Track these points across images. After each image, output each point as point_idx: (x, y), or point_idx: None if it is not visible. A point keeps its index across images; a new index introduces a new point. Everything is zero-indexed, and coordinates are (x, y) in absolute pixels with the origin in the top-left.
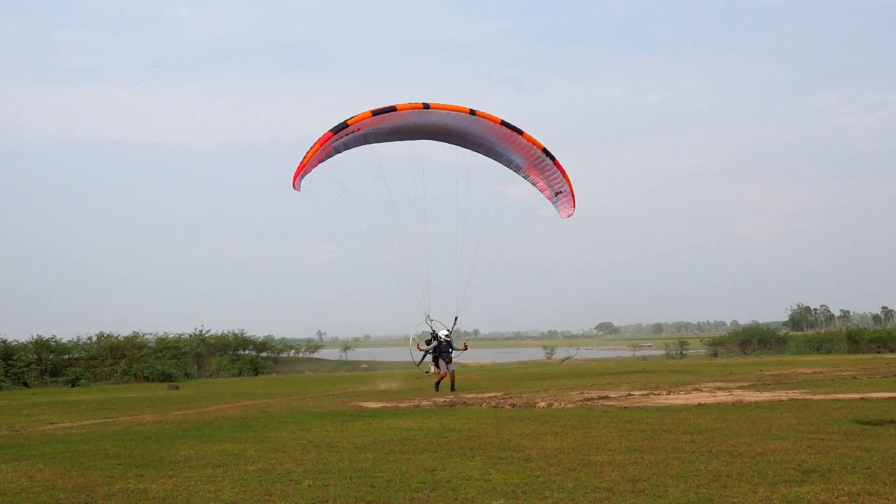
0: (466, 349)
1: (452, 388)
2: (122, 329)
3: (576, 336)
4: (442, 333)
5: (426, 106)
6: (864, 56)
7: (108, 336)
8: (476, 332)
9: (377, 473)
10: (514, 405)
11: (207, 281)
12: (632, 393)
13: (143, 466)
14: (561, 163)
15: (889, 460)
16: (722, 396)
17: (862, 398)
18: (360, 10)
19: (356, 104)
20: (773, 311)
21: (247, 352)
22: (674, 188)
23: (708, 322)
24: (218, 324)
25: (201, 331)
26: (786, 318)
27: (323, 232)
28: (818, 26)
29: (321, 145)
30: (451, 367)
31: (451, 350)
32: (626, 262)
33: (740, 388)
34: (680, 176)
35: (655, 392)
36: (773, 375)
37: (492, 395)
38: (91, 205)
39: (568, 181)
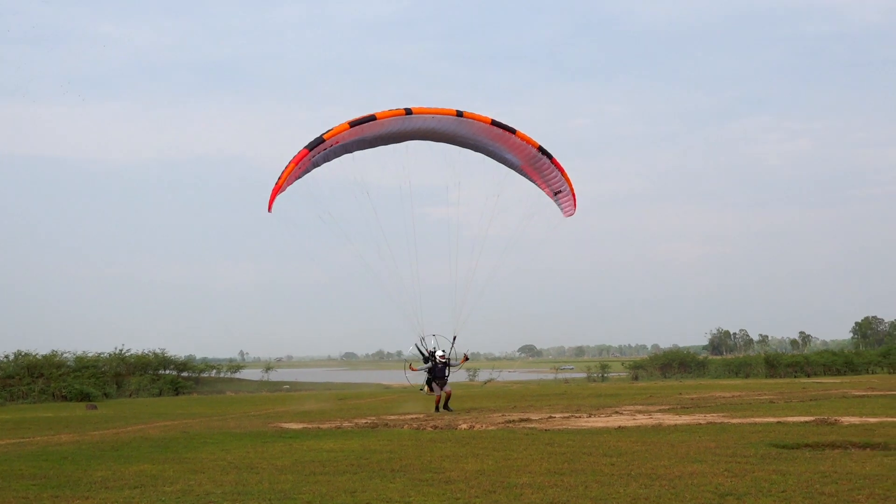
0: (468, 360)
1: (445, 406)
2: (40, 347)
3: (498, 358)
4: (437, 354)
5: (408, 112)
6: (784, 84)
7: (26, 354)
8: (399, 353)
9: (297, 495)
10: (435, 427)
11: (128, 299)
12: (553, 416)
13: (59, 487)
14: (558, 161)
15: (804, 483)
16: (642, 420)
17: (779, 422)
18: (287, 29)
19: (282, 123)
20: (693, 335)
21: (167, 371)
22: (597, 212)
23: (629, 345)
24: (139, 343)
25: (121, 350)
26: (706, 343)
27: (246, 251)
28: (740, 54)
29: (297, 163)
30: (448, 388)
31: (447, 373)
32: (548, 284)
33: (660, 411)
34: (603, 200)
35: (576, 415)
36: (692, 399)
37: (414, 416)
38: (9, 221)
39: (567, 179)
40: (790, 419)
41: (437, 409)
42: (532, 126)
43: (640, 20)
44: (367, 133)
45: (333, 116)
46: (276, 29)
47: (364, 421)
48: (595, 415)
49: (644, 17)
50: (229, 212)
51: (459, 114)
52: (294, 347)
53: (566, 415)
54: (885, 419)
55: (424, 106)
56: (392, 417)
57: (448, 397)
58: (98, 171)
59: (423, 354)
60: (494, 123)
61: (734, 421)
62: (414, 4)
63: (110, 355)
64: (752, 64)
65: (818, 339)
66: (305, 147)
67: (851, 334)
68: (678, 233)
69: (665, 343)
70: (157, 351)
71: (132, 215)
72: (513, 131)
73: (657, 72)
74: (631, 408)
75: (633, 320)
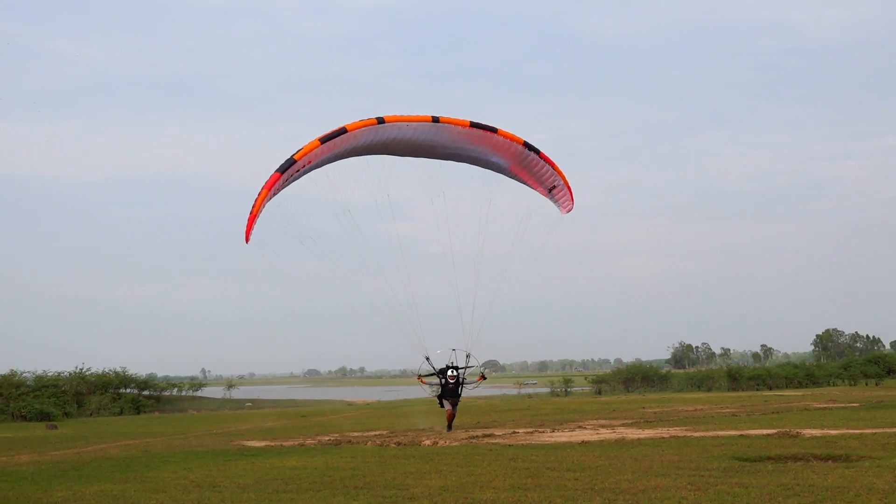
0: (485, 378)
1: (448, 427)
2: None
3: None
4: (450, 371)
5: (381, 121)
6: (742, 99)
7: None
8: (362, 369)
9: None
10: (399, 443)
11: (89, 318)
12: (516, 431)
13: None
14: (547, 155)
15: (767, 496)
16: (605, 434)
17: (741, 435)
18: (245, 45)
19: (242, 140)
20: (656, 350)
21: (129, 390)
22: (557, 227)
23: (592, 360)
24: (99, 362)
25: (82, 369)
26: (668, 356)
27: (207, 268)
28: (698, 69)
29: (269, 189)
30: (455, 408)
31: (459, 392)
32: (510, 299)
33: (623, 425)
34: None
35: (540, 430)
36: (655, 413)
37: (377, 433)
38: None
39: (560, 173)
40: (752, 432)
41: (449, 426)
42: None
43: (598, 36)
44: (339, 148)
45: (293, 132)
46: (234, 45)
47: (327, 438)
48: (558, 430)
49: (602, 33)
50: (190, 229)
51: (435, 119)
52: (256, 365)
53: (530, 430)
54: (846, 431)
55: (397, 114)
56: (355, 434)
57: (452, 416)
58: (56, 189)
59: (433, 368)
60: (473, 125)
61: (697, 434)
62: (372, 21)
63: (70, 374)
64: (710, 79)
65: (780, 351)
66: (277, 171)
67: (812, 347)
68: (639, 247)
69: (628, 357)
70: (118, 369)
71: (92, 233)
72: (494, 130)
73: (615, 87)
74: (594, 422)
75: (596, 335)
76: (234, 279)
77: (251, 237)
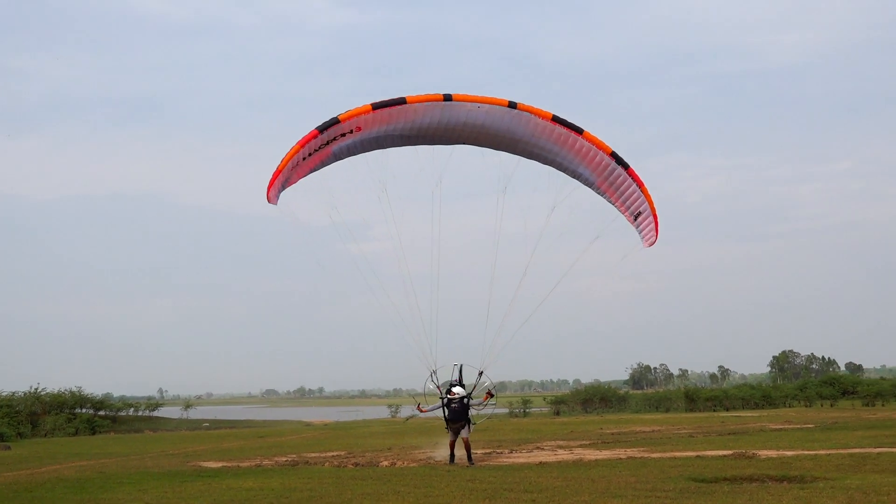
0: (493, 396)
1: (468, 459)
2: None
3: (421, 395)
4: (457, 391)
5: (447, 98)
6: (701, 121)
7: None
8: (321, 389)
9: None
10: (357, 464)
11: (44, 337)
12: (474, 452)
13: None
14: (636, 172)
15: None
16: (563, 455)
17: (698, 456)
18: (205, 65)
19: (200, 159)
20: (614, 370)
21: (84, 410)
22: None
23: (551, 380)
24: (55, 381)
25: (36, 389)
26: (626, 377)
27: (165, 287)
28: (658, 92)
29: (302, 145)
30: (465, 433)
31: (468, 416)
32: (468, 319)
33: (581, 446)
34: (522, 234)
35: (497, 451)
36: (613, 434)
37: (335, 453)
38: None
39: (648, 197)
40: (709, 453)
41: (451, 458)
42: (454, 163)
43: (560, 58)
44: (396, 122)
45: (254, 152)
46: (195, 64)
47: (284, 458)
48: (516, 450)
49: (565, 54)
50: (147, 248)
51: (512, 104)
52: (214, 385)
53: (487, 450)
54: (801, 452)
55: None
56: (313, 455)
57: (467, 447)
58: (13, 208)
59: (436, 388)
60: (556, 120)
61: (654, 455)
62: (333, 42)
63: (25, 394)
64: (670, 101)
65: (737, 372)
66: (316, 128)
67: (769, 368)
68: (598, 268)
69: (586, 378)
70: (74, 389)
71: (48, 252)
72: (580, 131)
73: (577, 108)
74: (552, 443)
75: (555, 355)
76: (191, 299)
77: (278, 198)
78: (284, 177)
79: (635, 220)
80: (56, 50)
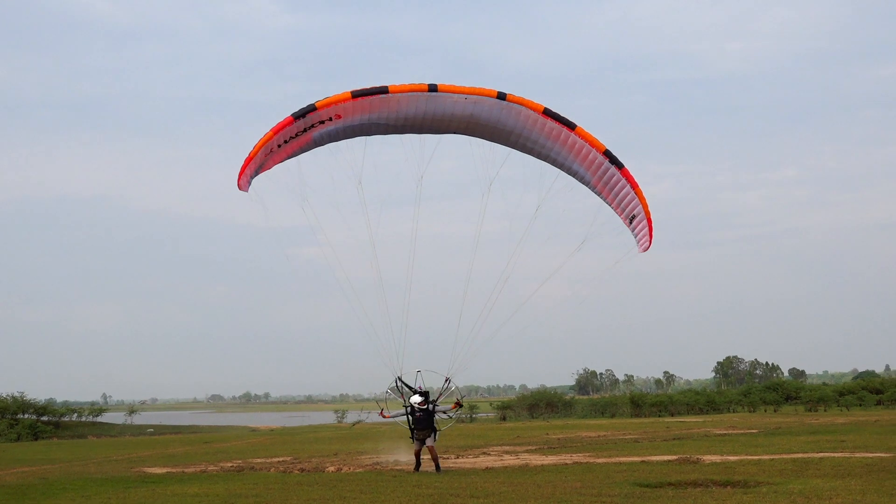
0: (461, 406)
1: (436, 469)
2: None
3: (368, 400)
4: (415, 400)
5: (433, 88)
6: (647, 128)
7: None
8: (267, 395)
9: None
10: (303, 469)
11: None
12: (422, 457)
13: None
14: (630, 172)
15: None
16: (509, 460)
17: (643, 461)
18: (151, 68)
19: (147, 163)
20: (560, 376)
21: (27, 416)
22: (462, 253)
23: (498, 386)
24: None
25: None
26: (573, 383)
27: (108, 292)
28: (604, 99)
29: (276, 132)
30: (430, 441)
31: (434, 423)
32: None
33: (527, 451)
34: (468, 240)
35: (444, 456)
36: (559, 439)
37: (281, 459)
38: None
39: (643, 200)
40: (654, 458)
41: (416, 466)
42: (398, 168)
43: (508, 64)
44: (378, 111)
45: (201, 156)
46: (141, 67)
47: (230, 464)
48: (463, 456)
49: (512, 61)
50: (91, 252)
51: (501, 96)
52: (159, 390)
53: None
54: (745, 457)
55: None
56: (259, 460)
57: (434, 456)
58: None
59: (402, 394)
60: (547, 113)
61: (600, 461)
62: (279, 46)
63: None
64: (616, 109)
65: (682, 378)
66: (291, 115)
67: (713, 374)
68: (544, 274)
69: (533, 383)
70: (16, 394)
71: None
72: (572, 127)
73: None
74: (499, 448)
75: (501, 360)
76: (136, 303)
77: (249, 185)
78: (256, 164)
79: (630, 222)
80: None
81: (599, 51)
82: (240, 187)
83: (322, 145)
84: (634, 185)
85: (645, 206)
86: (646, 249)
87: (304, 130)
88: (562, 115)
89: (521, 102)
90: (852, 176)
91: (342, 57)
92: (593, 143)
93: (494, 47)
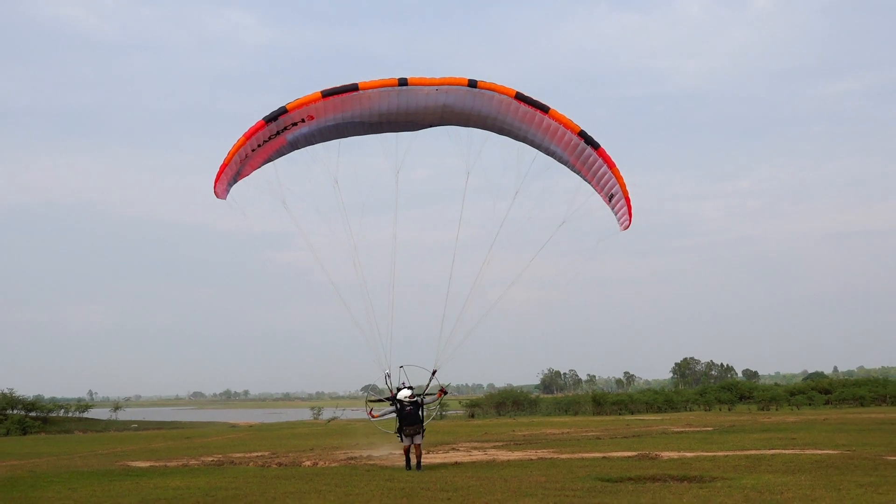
0: (446, 394)
1: (417, 466)
2: None
3: (342, 397)
4: (403, 395)
5: (402, 82)
6: (609, 141)
7: None
8: (246, 392)
9: None
10: (280, 464)
11: None
12: (393, 452)
13: None
14: (607, 152)
15: None
16: (477, 455)
17: (604, 457)
18: (136, 80)
19: (133, 170)
20: (526, 375)
21: (15, 411)
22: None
23: (466, 385)
24: None
25: None
26: (538, 382)
27: (94, 293)
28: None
29: (248, 137)
30: (418, 439)
31: (421, 416)
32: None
33: (494, 447)
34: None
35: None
36: (524, 436)
37: (259, 454)
38: None
39: (619, 179)
40: (614, 454)
41: (407, 464)
42: (374, 176)
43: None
44: (351, 109)
45: (183, 164)
46: (126, 78)
47: (210, 458)
48: (433, 451)
49: (480, 76)
50: (79, 255)
51: (472, 83)
52: (143, 387)
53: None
54: (700, 453)
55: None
56: (238, 455)
57: (418, 455)
58: None
59: (388, 390)
60: (519, 97)
61: (563, 456)
62: (258, 59)
63: None
64: (579, 122)
65: (641, 378)
66: (262, 119)
67: (671, 374)
68: (510, 278)
69: (500, 382)
70: (5, 391)
71: None
72: (546, 110)
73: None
74: (467, 444)
75: (470, 360)
76: (121, 304)
77: (227, 193)
78: (232, 171)
79: (610, 200)
80: None
81: (563, 67)
82: (217, 195)
83: (299, 148)
84: (611, 165)
85: (622, 186)
86: (626, 227)
87: (277, 133)
88: (534, 98)
89: (492, 88)
90: (802, 188)
91: (318, 69)
92: (568, 125)
93: (463, 61)
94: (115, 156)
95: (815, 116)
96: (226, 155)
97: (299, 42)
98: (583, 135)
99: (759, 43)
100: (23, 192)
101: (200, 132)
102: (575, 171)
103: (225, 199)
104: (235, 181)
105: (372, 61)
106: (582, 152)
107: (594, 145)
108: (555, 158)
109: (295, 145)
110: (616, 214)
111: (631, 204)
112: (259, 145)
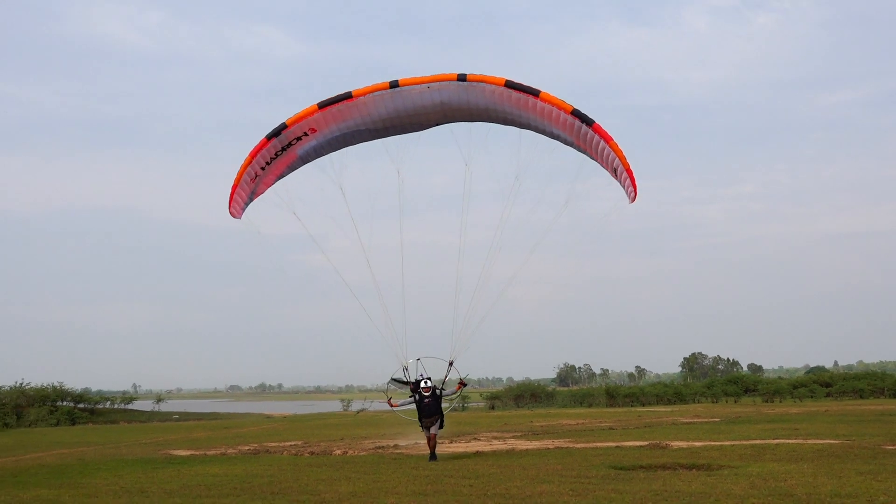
0: (466, 385)
1: (431, 456)
2: None
3: (370, 390)
4: (421, 385)
5: (394, 84)
6: (622, 145)
7: None
8: (280, 385)
9: None
10: (312, 453)
11: (29, 337)
12: (418, 442)
13: None
14: (602, 127)
15: (639, 501)
16: (497, 445)
17: (617, 446)
18: (174, 92)
19: (169, 177)
20: (543, 369)
21: (65, 403)
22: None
23: (486, 378)
24: (38, 377)
25: (22, 383)
26: (554, 375)
27: (138, 293)
28: None
29: (253, 156)
30: (435, 430)
31: (441, 410)
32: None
33: (514, 437)
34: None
35: (439, 441)
36: (542, 426)
37: (293, 443)
38: None
39: (619, 152)
40: (627, 444)
41: (432, 455)
42: (391, 184)
43: None
44: (350, 118)
45: (217, 171)
46: (164, 91)
47: (247, 447)
48: (456, 441)
49: None
50: (122, 258)
51: (462, 77)
52: (183, 380)
53: None
54: (708, 443)
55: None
56: (273, 444)
57: (432, 445)
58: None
59: (406, 382)
60: (509, 85)
61: (578, 446)
62: (289, 72)
63: (11, 388)
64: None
65: (652, 372)
66: (265, 136)
67: (680, 368)
68: (528, 278)
69: (518, 376)
70: (56, 384)
71: (33, 260)
72: (536, 94)
73: (505, 138)
74: (488, 434)
75: (490, 355)
76: (162, 303)
77: (242, 212)
78: (245, 191)
79: (616, 174)
80: (39, 76)
81: (577, 79)
82: (232, 215)
83: (310, 161)
84: (608, 140)
85: (622, 158)
86: (633, 200)
87: (284, 149)
88: (524, 84)
89: (482, 80)
90: (802, 191)
91: (345, 82)
92: (560, 106)
93: (474, 71)
94: (155, 164)
95: (813, 124)
96: (235, 175)
97: (326, 56)
98: (576, 113)
99: (761, 56)
100: (69, 198)
101: (233, 141)
102: (581, 151)
103: (240, 218)
104: (252, 200)
105: (392, 73)
106: (579, 130)
107: (588, 122)
108: (560, 141)
109: (306, 159)
110: (623, 186)
111: (634, 176)
112: (267, 163)
